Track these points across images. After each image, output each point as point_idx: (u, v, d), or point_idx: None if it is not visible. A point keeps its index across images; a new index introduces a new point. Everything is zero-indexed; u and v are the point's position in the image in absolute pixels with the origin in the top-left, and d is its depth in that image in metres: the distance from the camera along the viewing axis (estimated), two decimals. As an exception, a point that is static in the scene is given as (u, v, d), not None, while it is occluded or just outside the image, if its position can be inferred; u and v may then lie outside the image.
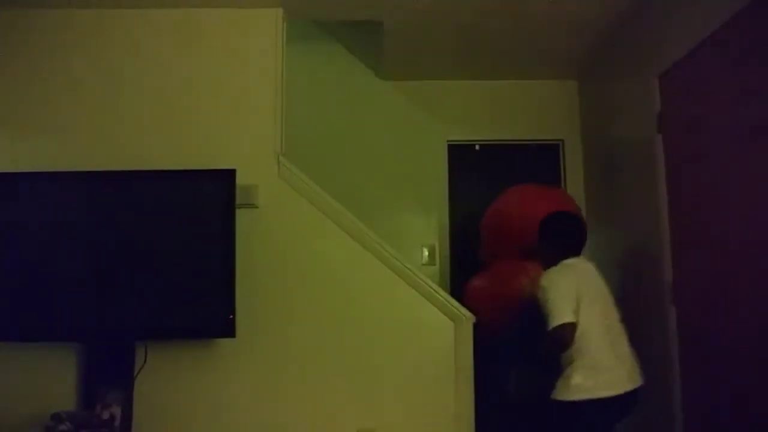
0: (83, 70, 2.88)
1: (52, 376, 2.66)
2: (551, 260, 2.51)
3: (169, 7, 2.90)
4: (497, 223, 3.19)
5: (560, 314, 2.29)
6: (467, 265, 3.49)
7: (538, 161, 3.39)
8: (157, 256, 2.61)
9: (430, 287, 2.76)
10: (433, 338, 2.73)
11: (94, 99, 2.86)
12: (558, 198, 3.14)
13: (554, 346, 2.33)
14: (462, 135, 3.99)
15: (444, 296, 2.76)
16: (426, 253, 3.90)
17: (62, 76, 2.87)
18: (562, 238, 2.57)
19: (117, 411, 2.51)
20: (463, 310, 2.74)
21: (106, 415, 2.49)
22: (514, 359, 2.88)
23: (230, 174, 2.60)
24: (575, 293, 2.33)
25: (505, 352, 2.89)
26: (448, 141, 3.99)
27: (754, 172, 2.18)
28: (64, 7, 2.88)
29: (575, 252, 2.52)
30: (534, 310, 2.45)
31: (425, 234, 3.92)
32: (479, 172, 4.00)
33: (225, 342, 2.65)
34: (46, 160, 2.74)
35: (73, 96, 2.86)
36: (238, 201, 2.61)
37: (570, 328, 2.28)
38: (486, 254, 3.28)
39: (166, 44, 2.92)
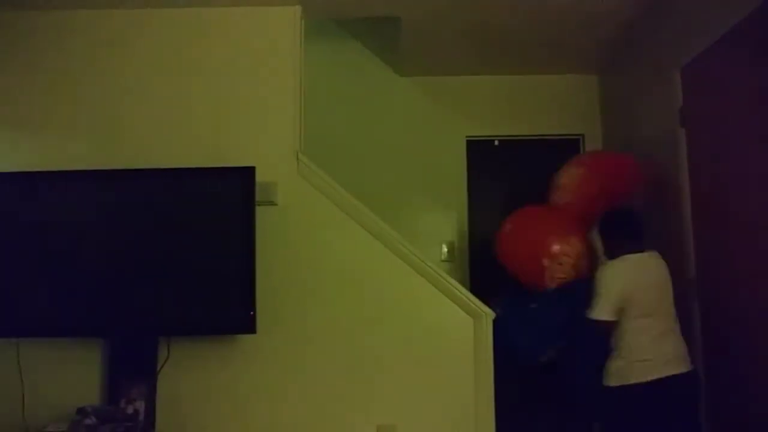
0: (99, 69, 2.91)
1: (77, 372, 2.71)
2: (612, 255, 2.65)
3: (190, 6, 2.93)
4: None
5: (599, 310, 2.50)
6: (486, 262, 3.48)
7: (558, 156, 3.36)
8: (178, 253, 2.63)
9: (450, 284, 2.76)
10: (453, 334, 2.73)
11: (114, 99, 2.90)
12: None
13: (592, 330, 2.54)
14: (481, 131, 3.98)
15: (463, 292, 2.75)
16: (445, 249, 3.90)
17: (76, 75, 2.91)
18: (617, 235, 2.68)
19: (141, 405, 2.55)
20: (483, 307, 2.73)
21: (130, 410, 2.54)
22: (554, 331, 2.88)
23: (250, 171, 2.61)
24: (621, 292, 2.48)
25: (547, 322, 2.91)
26: (466, 137, 3.98)
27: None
28: (93, 7, 2.92)
29: (635, 246, 2.58)
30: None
31: (444, 230, 3.92)
32: (498, 167, 3.99)
33: (245, 337, 2.67)
34: (65, 158, 2.79)
35: (95, 96, 2.90)
36: (257, 198, 2.63)
37: (603, 325, 2.51)
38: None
39: (184, 43, 2.94)
